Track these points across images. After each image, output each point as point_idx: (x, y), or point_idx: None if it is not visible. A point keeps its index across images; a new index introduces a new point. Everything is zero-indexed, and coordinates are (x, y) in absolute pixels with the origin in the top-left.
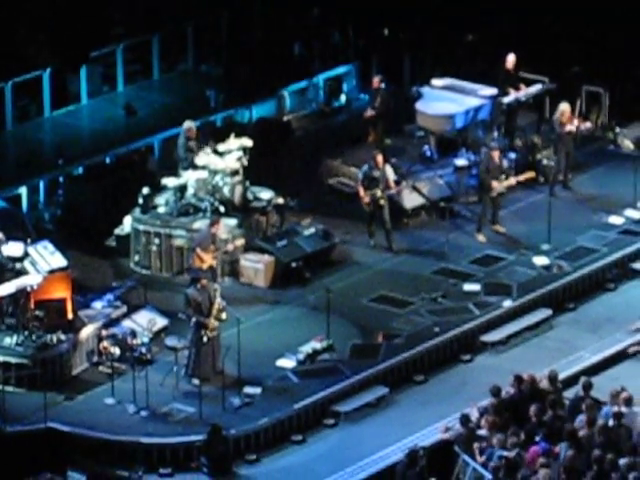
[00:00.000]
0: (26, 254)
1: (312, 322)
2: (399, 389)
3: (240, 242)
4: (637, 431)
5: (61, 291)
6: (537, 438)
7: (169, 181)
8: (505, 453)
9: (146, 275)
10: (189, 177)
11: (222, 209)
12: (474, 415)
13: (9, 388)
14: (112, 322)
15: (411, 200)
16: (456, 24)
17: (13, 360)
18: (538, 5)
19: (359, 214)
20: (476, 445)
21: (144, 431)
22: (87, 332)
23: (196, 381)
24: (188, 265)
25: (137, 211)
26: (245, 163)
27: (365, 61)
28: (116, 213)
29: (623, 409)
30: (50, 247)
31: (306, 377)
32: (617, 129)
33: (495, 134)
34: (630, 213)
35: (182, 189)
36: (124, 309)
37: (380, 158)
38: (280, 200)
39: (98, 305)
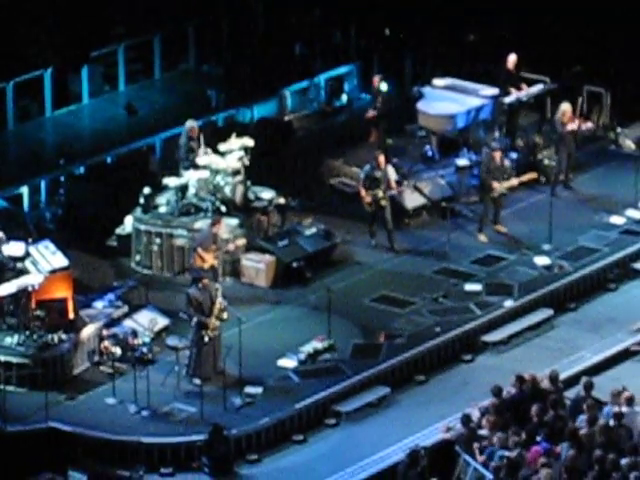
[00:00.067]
0: (27, 254)
1: (313, 322)
2: (400, 389)
3: (241, 242)
4: (638, 431)
5: (62, 291)
6: (538, 438)
7: (170, 181)
8: (506, 453)
9: (147, 275)
10: (190, 177)
11: (223, 209)
12: (475, 415)
13: (10, 388)
14: (113, 322)
15: (412, 200)
16: (457, 24)
17: (14, 360)
18: (539, 5)
19: (360, 214)
20: (476, 445)
21: (145, 431)
22: (88, 332)
23: (197, 381)
24: (189, 265)
25: (138, 211)
26: (246, 163)
27: (366, 61)
28: (117, 213)
29: (624, 409)
30: (51, 247)
31: (307, 377)
32: (618, 129)
33: (496, 134)
34: (631, 213)
35: (183, 189)
36: (125, 309)
37: (382, 158)
38: (281, 200)
39: (99, 305)
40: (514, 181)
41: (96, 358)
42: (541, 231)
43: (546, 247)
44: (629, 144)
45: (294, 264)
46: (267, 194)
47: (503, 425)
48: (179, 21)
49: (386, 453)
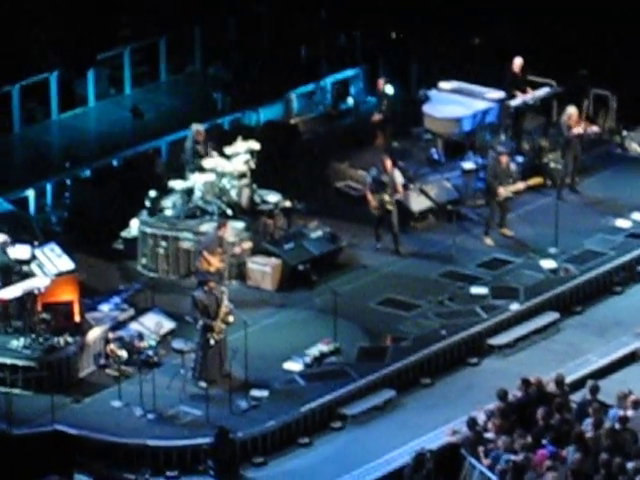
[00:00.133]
0: (33, 257)
1: (319, 325)
2: (406, 392)
3: (247, 245)
4: None
5: (68, 294)
6: (544, 441)
7: (176, 184)
8: (512, 457)
9: (153, 278)
10: (196, 180)
11: (229, 212)
12: (481, 418)
13: (16, 391)
14: (119, 325)
15: (418, 203)
16: (463, 27)
17: (20, 363)
18: (545, 8)
19: (366, 217)
20: (481, 448)
21: (151, 434)
22: (94, 335)
23: (203, 384)
24: (195, 268)
25: (144, 214)
26: (252, 166)
27: (372, 64)
28: (123, 216)
29: (630, 412)
30: (57, 250)
31: (313, 380)
32: (624, 132)
33: (502, 137)
34: (637, 216)
35: (189, 192)
36: (131, 312)
37: (389, 162)
38: (287, 203)
39: (105, 308)
40: (520, 185)
41: (102, 361)
42: (547, 234)
43: (552, 250)
44: (635, 147)
45: (300, 267)
46: (273, 197)
47: (509, 428)
48: (185, 24)
49: (392, 456)
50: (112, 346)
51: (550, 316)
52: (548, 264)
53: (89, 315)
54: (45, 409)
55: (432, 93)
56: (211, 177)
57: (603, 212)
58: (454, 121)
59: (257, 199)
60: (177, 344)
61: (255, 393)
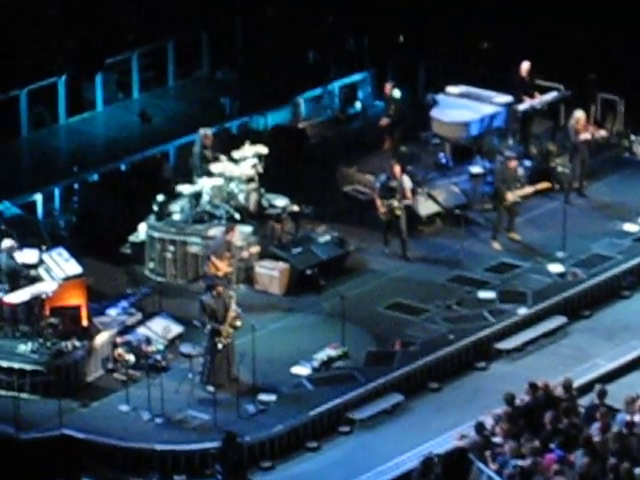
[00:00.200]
0: (41, 261)
1: (327, 329)
2: (414, 396)
3: (255, 249)
4: None
5: (76, 298)
6: (552, 446)
7: (184, 188)
8: (520, 462)
9: (161, 282)
10: (204, 184)
11: (237, 216)
12: (489, 423)
13: (24, 395)
14: (127, 329)
15: (426, 207)
16: (471, 32)
17: (28, 367)
18: (553, 13)
19: (374, 221)
20: (488, 452)
21: (159, 438)
22: (102, 339)
23: (211, 388)
24: (203, 272)
25: (152, 218)
26: (260, 170)
27: (380, 68)
28: (131, 220)
29: (638, 417)
30: (65, 254)
31: (321, 384)
32: (632, 137)
33: (510, 141)
34: None
35: (197, 196)
36: (139, 316)
37: (398, 168)
38: (295, 207)
39: (113, 312)
40: (528, 189)
41: (110, 365)
42: (555, 239)
43: (560, 255)
44: None
45: (308, 271)
46: (281, 201)
47: (516, 433)
48: (193, 28)
49: (400, 460)
50: (120, 350)
51: (558, 320)
52: (556, 268)
53: (97, 319)
54: (53, 413)
55: (440, 97)
56: (219, 181)
57: (611, 216)
58: (462, 125)
59: (265, 203)
60: (185, 348)
61: (263, 397)
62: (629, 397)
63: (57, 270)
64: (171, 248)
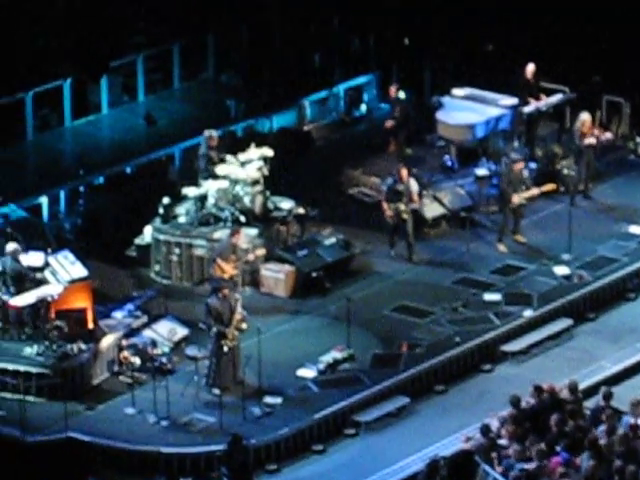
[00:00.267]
0: (47, 264)
1: (332, 332)
2: (420, 399)
3: (261, 252)
4: None
5: (81, 301)
6: (558, 448)
7: (190, 191)
8: (526, 466)
9: (166, 285)
10: (210, 187)
11: (243, 219)
12: (494, 425)
13: (30, 398)
14: (133, 332)
15: (432, 210)
16: (476, 34)
17: (34, 370)
18: (558, 15)
19: (380, 224)
20: (494, 454)
21: (164, 441)
22: (107, 342)
23: (216, 391)
24: (209, 275)
25: (157, 221)
26: (266, 173)
27: (386, 71)
28: (136, 223)
29: None
30: (70, 257)
31: (327, 387)
32: (638, 139)
33: (515, 144)
34: None
35: (203, 199)
36: (144, 319)
37: (405, 172)
38: (301, 210)
39: (118, 315)
40: (533, 192)
41: (115, 368)
42: (560, 241)
43: (565, 257)
44: None
45: (313, 274)
46: (286, 204)
47: (522, 435)
48: (198, 31)
49: (406, 463)
50: (125, 353)
51: (563, 322)
52: (561, 270)
53: (102, 322)
54: (58, 416)
55: (445, 100)
56: (224, 184)
57: (616, 218)
58: (467, 128)
59: (270, 206)
60: (190, 351)
61: (268, 400)
62: (635, 399)
63: (63, 273)
64: (177, 251)
